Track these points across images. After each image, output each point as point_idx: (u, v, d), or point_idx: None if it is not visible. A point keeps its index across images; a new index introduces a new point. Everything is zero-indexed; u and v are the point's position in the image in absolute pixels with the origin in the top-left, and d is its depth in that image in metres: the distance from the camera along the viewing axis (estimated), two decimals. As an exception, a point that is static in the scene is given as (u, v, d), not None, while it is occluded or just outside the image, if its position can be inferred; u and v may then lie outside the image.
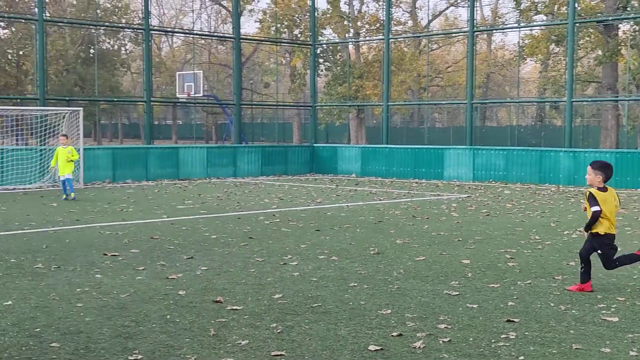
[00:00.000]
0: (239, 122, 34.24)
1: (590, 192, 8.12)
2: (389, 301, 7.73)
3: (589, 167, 8.28)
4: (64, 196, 19.40)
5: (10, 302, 7.56)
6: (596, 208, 8.02)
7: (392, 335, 6.43)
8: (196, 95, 34.71)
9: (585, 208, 8.22)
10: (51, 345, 6.12)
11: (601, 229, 8.10)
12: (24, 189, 22.61)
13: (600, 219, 8.05)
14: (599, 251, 8.20)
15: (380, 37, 38.15)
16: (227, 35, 41.10)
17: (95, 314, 7.14)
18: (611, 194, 8.18)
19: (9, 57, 48.53)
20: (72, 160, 19.82)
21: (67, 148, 19.93)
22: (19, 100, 37.60)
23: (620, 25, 34.05)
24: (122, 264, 9.78)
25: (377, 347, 6.08)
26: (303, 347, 6.12)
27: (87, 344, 6.17)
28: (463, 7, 53.85)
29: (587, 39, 36.76)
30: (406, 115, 62.30)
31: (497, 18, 50.86)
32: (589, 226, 8.15)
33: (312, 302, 7.64)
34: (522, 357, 5.86)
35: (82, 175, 23.99)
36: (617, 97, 33.34)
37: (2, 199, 19.25)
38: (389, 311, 7.28)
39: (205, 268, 9.55)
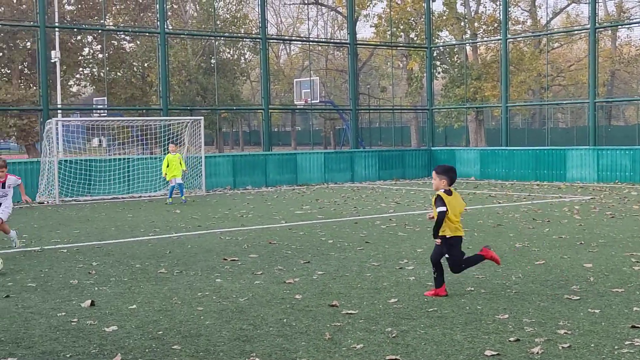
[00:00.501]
0: (356, 127, 34.39)
1: (438, 195, 8.09)
2: (506, 306, 7.59)
3: (433, 172, 8.31)
4: (170, 200, 21.10)
5: (134, 306, 7.87)
6: (442, 208, 8.00)
7: (509, 341, 6.32)
8: (313, 101, 35.12)
9: (432, 217, 8.17)
10: (173, 347, 6.33)
11: (448, 231, 8.06)
12: (149, 196, 23.48)
13: (447, 221, 8.00)
14: (446, 255, 8.10)
15: (498, 37, 37.49)
16: (343, 41, 41.42)
17: (214, 317, 7.34)
18: (456, 197, 8.21)
19: (135, 69, 50.52)
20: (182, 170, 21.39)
21: (176, 155, 21.15)
22: (144, 110, 39.08)
23: None
24: (241, 269, 10.01)
25: (494, 353, 5.99)
26: (418, 351, 6.09)
27: (207, 346, 6.35)
28: (585, 3, 52.16)
29: None
30: (527, 116, 60.93)
31: (622, 13, 49.03)
32: (436, 230, 8.05)
33: (427, 307, 7.60)
34: (646, 365, 5.64)
35: (204, 182, 24.71)
36: None
37: (129, 207, 20.06)
38: (507, 316, 7.15)
39: (322, 272, 9.64)
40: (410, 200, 20.55)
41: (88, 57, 49.73)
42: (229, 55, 57.47)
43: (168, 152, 21.59)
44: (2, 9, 44.43)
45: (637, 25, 37.56)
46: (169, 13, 50.17)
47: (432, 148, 33.61)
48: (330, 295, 8.25)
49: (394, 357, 5.94)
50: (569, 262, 10.04)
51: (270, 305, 7.80)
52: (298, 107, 37.74)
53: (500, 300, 7.86)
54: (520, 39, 44.02)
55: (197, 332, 6.78)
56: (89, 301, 7.99)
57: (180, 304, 7.95)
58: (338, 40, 52.64)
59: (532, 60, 44.69)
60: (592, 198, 20.28)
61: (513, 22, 45.87)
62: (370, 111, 49.77)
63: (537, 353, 5.96)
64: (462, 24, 44.42)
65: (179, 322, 7.15)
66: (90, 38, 48.60)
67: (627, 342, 6.21)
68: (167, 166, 21.06)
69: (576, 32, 43.73)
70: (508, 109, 33.22)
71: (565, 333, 6.51)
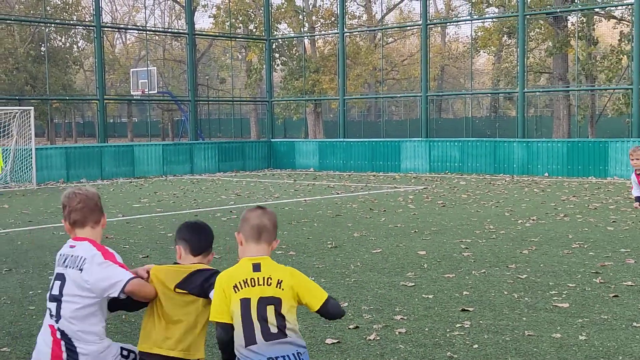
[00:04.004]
0: (195, 118, 34.01)
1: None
2: (346, 294, 7.74)
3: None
4: None
5: (-41, 306, 7.42)
6: None
7: (349, 328, 6.45)
8: (151, 92, 34.40)
9: None
10: (2, 350, 6.02)
11: None
12: (-25, 190, 22.20)
13: None
14: None
15: (335, 31, 38.20)
16: (181, 31, 40.80)
17: (48, 315, 7.03)
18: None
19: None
20: None
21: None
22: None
23: (568, 17, 34.55)
24: (76, 265, 9.63)
25: (334, 340, 6.10)
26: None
27: (40, 346, 6.06)
28: (417, 0, 54.14)
29: (538, 30, 37.24)
30: (363, 109, 62.46)
31: (450, 11, 51.22)
32: None
33: (268, 298, 7.61)
34: (476, 346, 5.92)
35: (34, 176, 23.65)
36: (568, 87, 33.84)
37: (-47, 202, 18.89)
38: (346, 304, 7.29)
39: (161, 266, 9.45)
40: (251, 191, 20.58)
41: None
42: (60, 43, 55.27)
43: None
44: None
45: (464, 22, 39.34)
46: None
47: (272, 140, 33.80)
48: (170, 289, 8.09)
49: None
50: (404, 250, 10.38)
51: (107, 302, 7.55)
52: (134, 97, 36.85)
53: (340, 288, 8.01)
54: (357, 33, 45.08)
55: (28, 333, 6.48)
56: None
57: (10, 303, 7.57)
58: (176, 30, 51.77)
59: (368, 55, 45.89)
60: (424, 188, 21.08)
61: (350, 16, 46.86)
62: (210, 102, 49.33)
63: (375, 339, 6.13)
64: (301, 17, 44.91)
65: (9, 323, 6.81)
66: None
67: (458, 325, 6.50)
68: None
69: (409, 27, 45.26)
70: (345, 101, 33.92)
71: (401, 319, 6.73)
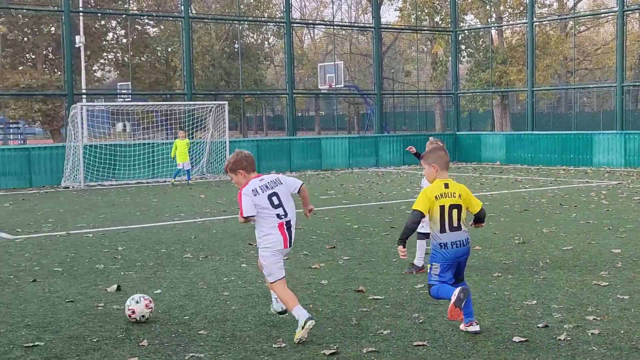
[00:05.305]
0: (380, 111, 34.25)
1: None
2: (534, 292, 7.51)
3: None
4: (173, 181, 22.28)
5: (160, 291, 7.89)
6: None
7: (538, 327, 6.26)
8: (337, 86, 34.99)
9: None
10: (199, 332, 6.34)
11: None
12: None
13: None
14: None
15: (524, 20, 37.10)
16: (367, 25, 41.20)
17: (240, 302, 7.34)
18: None
19: (158, 54, 50.56)
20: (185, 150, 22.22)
21: (184, 141, 22.26)
22: (168, 95, 39.16)
23: None
24: (266, 254, 9.98)
25: (522, 339, 5.94)
26: (445, 337, 6.06)
27: (233, 331, 6.35)
28: (612, -15, 51.44)
29: None
30: (553, 100, 60.35)
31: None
32: None
33: (454, 293, 7.53)
34: (678, 353, 5.56)
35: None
36: None
37: (154, 191, 20.14)
38: (535, 302, 7.08)
39: (347, 258, 9.61)
40: (435, 185, 20.43)
41: (112, 42, 49.83)
42: (252, 40, 57.36)
43: (178, 138, 22.69)
44: (27, -6, 44.58)
45: (665, 7, 36.99)
46: (193, -2, 50.09)
47: (457, 132, 33.41)
48: (356, 280, 8.22)
49: (421, 343, 5.90)
50: (597, 248, 9.93)
51: (296, 291, 7.76)
52: (322, 91, 37.63)
53: (528, 286, 7.79)
54: (547, 22, 43.55)
55: (223, 317, 6.79)
56: (115, 286, 8.03)
57: (206, 289, 7.96)
58: (362, 25, 52.34)
59: (558, 44, 44.19)
60: (619, 183, 20.06)
61: (539, 5, 45.34)
62: (395, 95, 49.53)
63: (565, 339, 5.90)
64: (488, 7, 44.01)
65: (205, 307, 7.16)
66: (114, 23, 48.70)
67: (657, 329, 6.13)
68: (176, 149, 22.12)
69: (603, 14, 43.17)
70: (534, 93, 32.91)
71: (594, 319, 6.44)
